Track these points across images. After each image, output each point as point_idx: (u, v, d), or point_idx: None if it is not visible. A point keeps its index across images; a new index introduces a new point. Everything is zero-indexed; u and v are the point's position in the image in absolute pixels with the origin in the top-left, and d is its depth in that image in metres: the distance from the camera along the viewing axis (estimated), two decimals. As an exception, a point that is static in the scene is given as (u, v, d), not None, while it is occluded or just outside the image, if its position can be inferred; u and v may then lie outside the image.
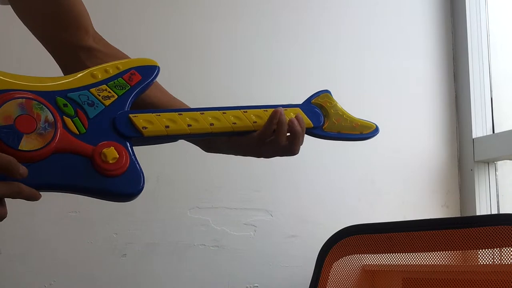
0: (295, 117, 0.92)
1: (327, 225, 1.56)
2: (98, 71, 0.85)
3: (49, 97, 0.80)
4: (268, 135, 0.91)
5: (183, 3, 1.75)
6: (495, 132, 1.97)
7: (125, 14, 1.68)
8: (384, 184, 1.88)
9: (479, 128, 1.97)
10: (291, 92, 1.81)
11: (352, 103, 1.86)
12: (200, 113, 0.89)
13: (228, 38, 1.78)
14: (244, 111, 0.91)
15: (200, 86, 1.72)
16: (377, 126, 0.99)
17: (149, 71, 0.88)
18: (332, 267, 1.40)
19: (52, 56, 1.02)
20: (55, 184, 0.77)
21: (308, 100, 0.98)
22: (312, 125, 0.95)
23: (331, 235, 1.42)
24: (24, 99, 0.76)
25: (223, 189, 1.67)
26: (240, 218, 1.70)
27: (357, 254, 1.40)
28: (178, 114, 0.88)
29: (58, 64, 1.02)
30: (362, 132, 0.98)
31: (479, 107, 1.98)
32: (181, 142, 0.99)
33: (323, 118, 0.97)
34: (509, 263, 1.12)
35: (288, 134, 0.92)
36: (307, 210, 1.77)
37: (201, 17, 1.76)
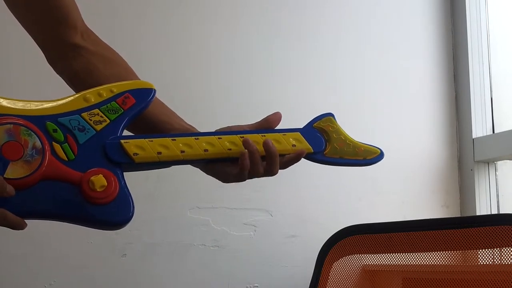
0: (264, 142, 0.88)
1: (327, 225, 1.56)
2: (91, 95, 0.83)
3: (38, 122, 0.78)
4: (246, 167, 0.88)
5: (183, 3, 1.75)
6: (495, 132, 1.97)
7: (124, 14, 1.68)
8: (384, 184, 1.88)
9: (479, 128, 1.97)
10: (291, 92, 1.82)
11: (352, 103, 1.88)
12: (195, 139, 0.86)
13: (228, 38, 1.78)
14: (240, 137, 0.88)
15: (200, 86, 1.72)
16: (381, 151, 0.96)
17: (144, 94, 0.85)
18: (332, 267, 1.40)
19: (43, 52, 1.00)
20: (41, 213, 0.76)
21: (310, 124, 0.95)
22: (312, 150, 0.92)
23: (331, 235, 1.42)
24: (12, 125, 0.75)
25: (223, 189, 1.66)
26: (240, 218, 1.70)
27: (357, 254, 1.40)
28: (172, 139, 0.85)
29: (46, 58, 1.00)
30: (366, 157, 0.95)
31: (479, 107, 1.98)
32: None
33: (325, 143, 0.94)
34: (509, 263, 1.12)
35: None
36: (307, 210, 1.77)
37: (201, 17, 1.76)
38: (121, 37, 1.64)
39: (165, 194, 1.63)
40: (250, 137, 0.89)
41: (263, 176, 0.92)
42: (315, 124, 0.95)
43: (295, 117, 1.92)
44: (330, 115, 0.96)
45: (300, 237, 1.75)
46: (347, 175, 1.82)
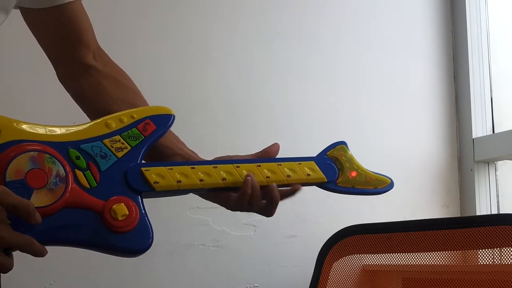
0: (269, 186, 0.90)
1: (327, 225, 1.56)
2: (113, 121, 0.84)
3: (61, 148, 0.79)
4: (247, 200, 0.90)
5: (183, 3, 1.75)
6: (495, 132, 1.97)
7: (124, 14, 1.68)
8: (384, 184, 1.87)
9: (479, 128, 1.97)
10: (291, 92, 1.82)
11: (352, 103, 1.88)
12: (213, 167, 0.88)
13: (228, 38, 1.78)
14: (257, 165, 0.90)
15: (200, 86, 1.72)
16: (391, 181, 1.00)
17: (164, 120, 0.86)
18: (332, 267, 1.40)
19: (54, 69, 1.03)
20: (63, 240, 0.78)
21: (323, 152, 0.96)
22: (326, 180, 0.94)
23: (331, 235, 1.42)
24: (36, 153, 0.75)
25: (223, 189, 1.67)
26: (240, 218, 1.70)
27: (357, 254, 1.40)
28: (191, 167, 0.86)
29: (57, 73, 1.03)
30: (377, 187, 0.98)
31: (479, 107, 1.98)
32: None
33: (338, 172, 0.95)
34: (509, 263, 1.12)
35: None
36: (307, 210, 1.77)
37: (201, 17, 1.76)
38: (121, 37, 1.64)
39: (165, 194, 1.63)
40: (266, 165, 0.90)
41: (257, 213, 0.93)
42: (328, 152, 0.96)
43: (296, 117, 1.93)
44: (343, 143, 0.97)
45: (300, 237, 1.75)
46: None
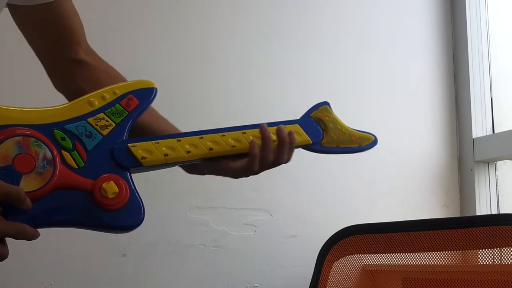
0: (277, 128, 0.91)
1: (327, 225, 1.56)
2: (95, 98, 0.83)
3: (46, 130, 0.78)
4: (256, 155, 0.90)
5: (183, 3, 1.75)
6: (495, 132, 1.97)
7: (124, 14, 1.68)
8: (384, 184, 1.88)
9: (479, 128, 1.97)
10: (291, 92, 1.82)
11: (352, 103, 1.88)
12: (199, 138, 0.88)
13: (228, 38, 1.78)
14: (243, 132, 0.90)
15: (200, 86, 1.72)
16: (375, 137, 0.99)
17: (146, 94, 0.86)
18: (332, 267, 1.40)
19: (46, 70, 1.03)
20: (55, 221, 0.77)
21: (307, 114, 0.97)
22: (311, 142, 0.95)
23: (331, 235, 1.42)
24: (21, 137, 0.75)
25: (223, 189, 1.67)
26: (240, 218, 1.70)
27: (357, 254, 1.40)
28: (177, 140, 0.86)
29: (51, 79, 1.03)
30: (361, 144, 0.98)
31: (479, 107, 1.98)
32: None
33: (322, 133, 0.96)
34: (509, 263, 1.12)
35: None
36: (307, 210, 1.77)
37: (201, 17, 1.76)
38: (121, 37, 1.64)
39: (165, 194, 1.63)
40: (251, 132, 0.91)
41: (272, 166, 0.93)
42: (312, 114, 0.97)
43: (296, 117, 1.92)
44: (326, 103, 0.98)
45: (300, 237, 1.75)
46: (347, 175, 1.82)
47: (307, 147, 0.95)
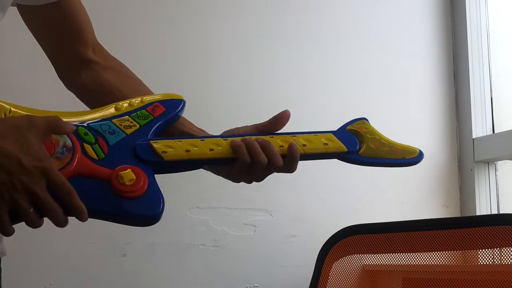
0: (289, 144, 0.86)
1: (327, 225, 1.56)
2: (122, 105, 0.85)
3: None
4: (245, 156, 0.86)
5: (183, 3, 1.75)
6: (495, 132, 1.97)
7: (124, 14, 1.68)
8: (384, 184, 1.87)
9: (479, 128, 1.97)
10: (291, 92, 1.82)
11: (351, 104, 1.88)
12: (223, 139, 0.86)
13: (228, 38, 1.78)
14: (271, 137, 0.88)
15: (200, 86, 1.72)
16: (420, 151, 0.93)
17: (174, 104, 0.87)
18: (332, 267, 1.40)
19: (54, 67, 1.03)
20: None
21: (343, 127, 0.93)
22: (346, 149, 0.89)
23: (331, 235, 1.42)
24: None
25: (223, 189, 1.67)
26: (240, 218, 1.70)
27: (357, 254, 1.40)
28: (201, 140, 0.85)
29: (58, 74, 1.03)
30: (405, 157, 0.92)
31: (479, 107, 1.98)
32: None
33: (359, 143, 0.91)
34: (509, 263, 1.12)
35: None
36: (307, 210, 1.77)
37: (201, 17, 1.76)
38: (121, 37, 1.64)
39: (165, 194, 1.62)
40: (279, 137, 0.88)
41: (278, 171, 0.89)
42: (348, 127, 0.93)
43: (296, 117, 1.92)
44: (364, 119, 0.94)
45: (300, 237, 1.75)
46: (347, 175, 1.82)
47: (342, 156, 0.90)
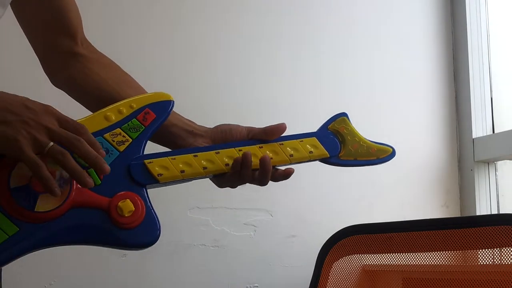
0: (261, 158, 0.89)
1: (327, 225, 1.56)
2: (112, 113, 0.83)
3: None
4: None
5: (183, 3, 1.75)
6: (495, 132, 1.97)
7: (124, 14, 1.68)
8: (384, 184, 1.87)
9: (479, 128, 1.97)
10: (292, 92, 1.82)
11: (352, 104, 1.88)
12: (215, 153, 0.87)
13: (228, 38, 1.78)
14: (259, 147, 0.90)
15: (200, 86, 1.72)
16: (393, 149, 1.00)
17: (163, 107, 0.86)
18: (332, 267, 1.40)
19: (42, 64, 1.03)
20: (72, 240, 0.78)
21: (325, 126, 0.96)
22: (329, 155, 0.94)
23: (331, 235, 1.42)
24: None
25: (223, 189, 1.66)
26: (240, 218, 1.70)
27: (357, 254, 1.40)
28: (193, 156, 0.86)
29: (46, 72, 1.03)
30: (379, 156, 0.98)
31: (479, 107, 1.98)
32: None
33: (340, 146, 0.95)
34: (509, 263, 1.12)
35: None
36: (307, 210, 1.77)
37: (201, 17, 1.76)
38: (121, 37, 1.64)
39: (165, 194, 1.62)
40: (268, 146, 0.91)
41: (253, 182, 0.93)
42: (329, 126, 0.96)
43: (296, 117, 1.93)
44: (344, 115, 0.98)
45: (300, 237, 1.75)
46: (347, 175, 1.82)
47: (324, 160, 0.95)
